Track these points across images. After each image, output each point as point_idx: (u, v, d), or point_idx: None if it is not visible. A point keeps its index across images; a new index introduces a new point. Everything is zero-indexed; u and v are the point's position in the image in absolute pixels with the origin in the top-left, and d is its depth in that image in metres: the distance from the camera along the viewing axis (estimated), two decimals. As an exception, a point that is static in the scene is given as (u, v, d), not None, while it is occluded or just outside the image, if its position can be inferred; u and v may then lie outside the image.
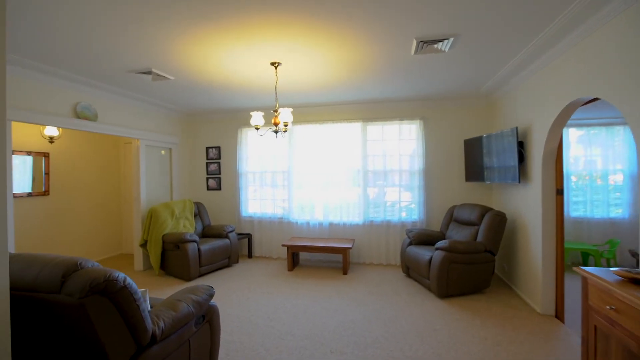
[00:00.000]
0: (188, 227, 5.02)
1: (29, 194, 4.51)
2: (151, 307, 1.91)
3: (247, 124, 5.77)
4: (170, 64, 3.34)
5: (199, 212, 5.41)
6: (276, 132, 3.51)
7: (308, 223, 5.42)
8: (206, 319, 2.20)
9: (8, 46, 2.91)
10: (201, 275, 4.61)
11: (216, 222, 6.00)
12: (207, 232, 5.19)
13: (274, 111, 3.45)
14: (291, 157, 5.46)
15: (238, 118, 5.81)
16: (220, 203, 5.95)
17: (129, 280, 1.59)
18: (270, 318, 3.23)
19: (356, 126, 5.22)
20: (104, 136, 5.65)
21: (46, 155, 4.71)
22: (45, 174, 4.70)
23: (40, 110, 3.55)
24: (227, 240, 4.95)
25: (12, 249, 4.16)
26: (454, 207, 4.59)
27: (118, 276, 1.53)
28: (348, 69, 3.53)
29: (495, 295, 3.74)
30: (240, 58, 3.19)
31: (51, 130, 4.54)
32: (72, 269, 1.50)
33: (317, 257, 5.39)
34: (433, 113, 5.04)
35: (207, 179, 5.98)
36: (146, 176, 5.06)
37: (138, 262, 4.92)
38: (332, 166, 5.32)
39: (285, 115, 3.32)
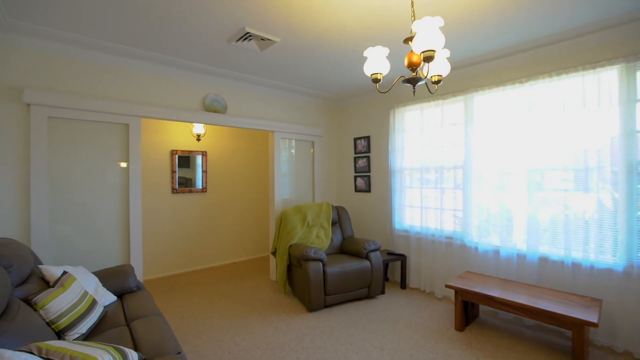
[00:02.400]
0: (322, 237, 4.00)
1: (189, 190, 4.76)
2: None
3: (400, 101, 4.17)
4: (269, 17, 2.31)
5: (339, 219, 4.29)
6: (413, 83, 1.80)
7: (497, 251, 3.23)
8: None
9: (129, 40, 2.69)
10: (327, 306, 3.44)
11: (361, 234, 4.73)
12: (346, 247, 3.99)
13: (406, 42, 1.77)
14: (468, 144, 3.43)
15: (390, 96, 4.30)
16: (368, 209, 4.64)
17: None
18: None
19: (607, 76, 2.59)
20: (256, 132, 5.54)
21: (204, 153, 4.90)
22: (203, 171, 4.89)
23: (168, 105, 3.38)
24: (366, 263, 3.57)
25: (174, 237, 4.32)
26: None
27: None
28: None
29: None
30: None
31: (198, 128, 4.64)
32: None
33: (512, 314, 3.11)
34: None
35: (355, 177, 4.80)
36: (282, 173, 4.42)
37: (273, 271, 4.35)
38: (540, 155, 2.91)
39: (427, 39, 1.56)
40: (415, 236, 3.96)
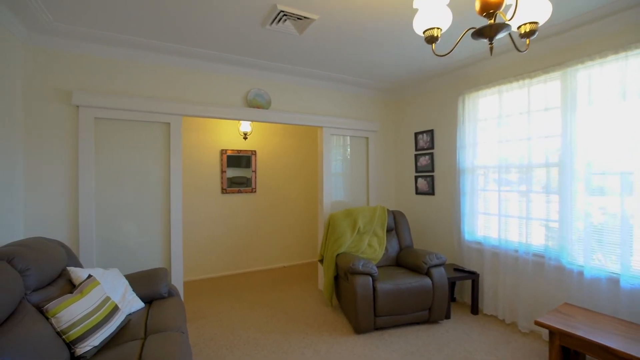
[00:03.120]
0: (375, 246, 3.49)
1: (239, 191, 4.67)
2: None
3: (471, 85, 3.43)
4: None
5: (396, 225, 3.73)
6: (490, 35, 1.23)
7: (614, 280, 2.35)
8: None
9: (167, 35, 2.60)
10: (378, 328, 2.93)
11: (422, 244, 4.07)
12: (403, 260, 3.42)
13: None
14: (569, 135, 2.59)
15: (458, 79, 3.59)
16: (431, 215, 3.97)
17: None
18: None
19: None
20: (307, 130, 5.23)
21: (253, 153, 4.76)
22: (252, 171, 4.76)
23: (209, 102, 3.25)
24: (426, 280, 2.97)
25: (222, 238, 4.24)
26: None
27: None
28: None
29: None
30: None
31: (245, 126, 4.49)
32: None
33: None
34: None
35: (416, 178, 4.17)
36: (332, 173, 4.03)
37: (322, 279, 3.98)
38: None
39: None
40: (491, 250, 3.20)
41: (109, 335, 1.83)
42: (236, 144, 4.63)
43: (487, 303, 3.22)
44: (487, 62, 3.20)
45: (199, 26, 2.52)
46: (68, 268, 2.04)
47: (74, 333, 1.68)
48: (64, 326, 1.66)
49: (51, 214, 2.64)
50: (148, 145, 2.99)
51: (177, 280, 3.07)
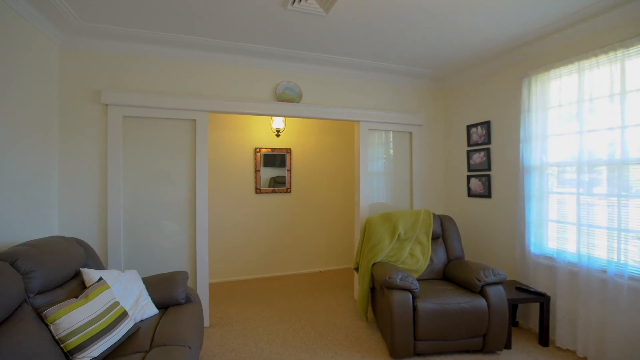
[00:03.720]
0: (418, 256, 3.04)
1: (273, 191, 4.49)
2: None
3: (539, 63, 2.81)
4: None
5: (444, 232, 3.23)
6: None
7: None
8: None
9: (189, 26, 2.48)
10: (418, 354, 2.50)
11: (475, 256, 3.50)
12: (451, 273, 2.92)
13: None
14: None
15: (521, 59, 2.98)
16: (486, 221, 3.39)
17: None
18: None
19: None
20: (345, 126, 4.89)
21: (288, 151, 4.55)
22: (287, 170, 4.56)
23: (236, 97, 3.09)
24: (480, 301, 2.46)
25: (256, 239, 4.13)
26: None
27: None
28: None
29: None
30: None
31: (277, 123, 4.28)
32: None
33: None
34: None
35: (469, 178, 3.61)
36: (371, 172, 3.65)
37: (358, 289, 3.62)
38: None
39: None
40: (568, 268, 2.57)
41: (113, 345, 1.70)
42: (270, 142, 4.47)
43: (561, 333, 2.59)
44: (561, 34, 2.58)
45: (218, 10, 2.33)
46: (82, 269, 1.97)
47: (72, 342, 1.56)
48: (63, 334, 1.55)
49: (83, 213, 2.67)
50: (174, 143, 2.91)
51: (202, 283, 2.95)
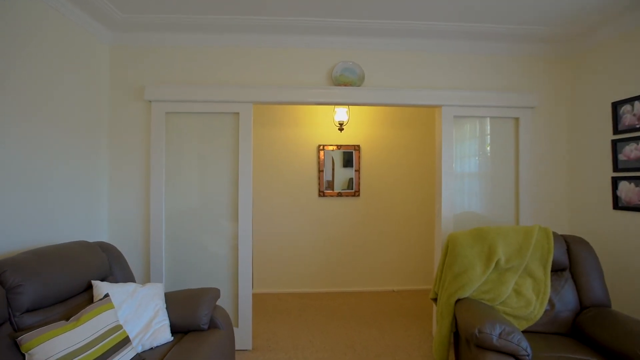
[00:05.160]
0: (528, 295, 2.07)
1: (339, 194, 3.93)
2: None
3: None
4: None
5: (573, 263, 2.16)
6: None
7: None
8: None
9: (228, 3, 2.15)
10: None
11: (624, 304, 2.28)
12: (587, 328, 1.88)
13: None
14: None
15: None
16: (654, 248, 2.17)
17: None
18: None
19: None
20: (427, 116, 3.98)
21: (357, 148, 3.92)
22: (355, 170, 3.93)
23: (284, 84, 2.64)
24: (652, 392, 1.44)
25: (317, 248, 3.71)
26: None
27: None
28: None
29: None
30: None
31: (340, 115, 3.64)
32: None
33: None
34: None
35: (616, 180, 2.41)
36: (459, 173, 2.78)
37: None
38: None
39: None
40: None
41: (100, 385, 1.39)
42: (335, 138, 3.92)
43: None
44: None
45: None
46: (93, 282, 1.75)
47: (48, 378, 1.28)
48: (38, 367, 1.29)
49: (128, 211, 2.59)
50: (216, 140, 2.62)
51: (244, 295, 2.57)
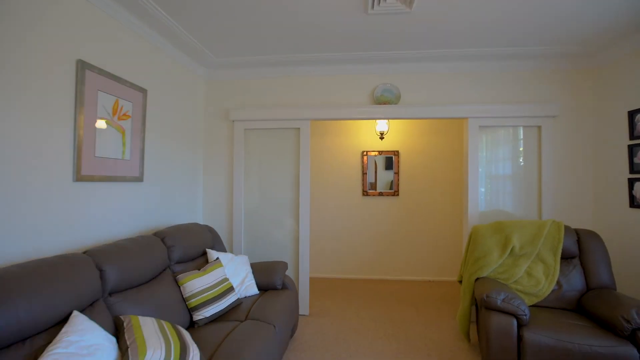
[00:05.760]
0: (538, 277, 2.49)
1: (380, 193, 4.49)
2: None
3: None
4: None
5: (583, 252, 2.52)
6: None
7: None
8: None
9: (291, 47, 2.89)
10: (527, 396, 2.05)
11: (636, 291, 2.56)
12: (590, 305, 2.26)
13: None
14: None
15: None
16: (662, 242, 2.44)
17: None
18: None
19: None
20: (458, 125, 4.38)
21: (396, 153, 4.46)
22: (394, 173, 4.47)
23: (335, 104, 3.31)
24: (627, 350, 1.83)
25: (361, 240, 4.25)
26: None
27: None
28: None
29: None
30: None
31: (381, 126, 4.20)
32: None
33: None
34: None
35: (632, 182, 2.69)
36: (484, 175, 3.21)
37: (466, 307, 3.23)
38: None
39: None
40: None
41: (220, 311, 2.15)
42: (377, 145, 4.50)
43: None
44: None
45: (313, 29, 2.59)
46: (207, 250, 2.56)
47: (193, 302, 2.07)
48: (187, 295, 2.09)
49: (217, 205, 3.43)
50: (282, 149, 3.36)
51: (304, 273, 3.28)
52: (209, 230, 2.81)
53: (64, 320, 1.36)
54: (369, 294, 3.95)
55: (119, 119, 2.28)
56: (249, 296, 2.49)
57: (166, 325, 1.60)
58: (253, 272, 2.66)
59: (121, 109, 2.29)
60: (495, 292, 2.14)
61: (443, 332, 2.93)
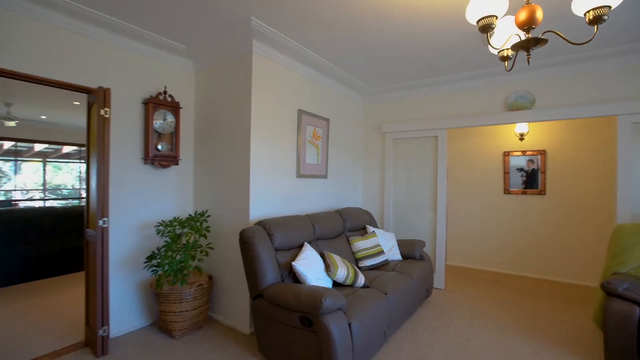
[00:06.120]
0: (693, 279, 2.41)
1: (523, 192, 4.59)
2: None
3: None
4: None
5: None
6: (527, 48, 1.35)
7: None
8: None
9: (427, 71, 3.77)
10: (649, 377, 2.18)
11: None
12: None
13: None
14: None
15: None
16: None
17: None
18: None
19: None
20: (608, 119, 3.93)
21: (542, 152, 4.45)
22: (540, 172, 4.47)
23: (469, 114, 3.87)
24: None
25: (501, 236, 4.67)
26: None
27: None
28: None
29: None
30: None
31: (521, 128, 4.25)
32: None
33: None
34: None
35: None
36: (641, 175, 3.09)
37: (615, 308, 3.17)
38: None
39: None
40: None
41: (374, 264, 3.26)
42: (520, 145, 4.61)
43: None
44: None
45: (437, 59, 3.36)
46: (366, 225, 3.72)
47: (358, 254, 3.26)
48: (354, 250, 3.29)
49: (372, 197, 4.58)
50: (423, 155, 4.18)
51: (440, 255, 4.01)
52: (367, 213, 3.99)
53: (300, 246, 2.76)
54: (507, 286, 4.22)
55: (315, 139, 3.72)
56: (395, 260, 3.49)
57: (346, 260, 2.82)
58: (398, 245, 3.65)
59: (316, 132, 3.73)
60: (618, 281, 2.36)
61: (577, 320, 3.08)
